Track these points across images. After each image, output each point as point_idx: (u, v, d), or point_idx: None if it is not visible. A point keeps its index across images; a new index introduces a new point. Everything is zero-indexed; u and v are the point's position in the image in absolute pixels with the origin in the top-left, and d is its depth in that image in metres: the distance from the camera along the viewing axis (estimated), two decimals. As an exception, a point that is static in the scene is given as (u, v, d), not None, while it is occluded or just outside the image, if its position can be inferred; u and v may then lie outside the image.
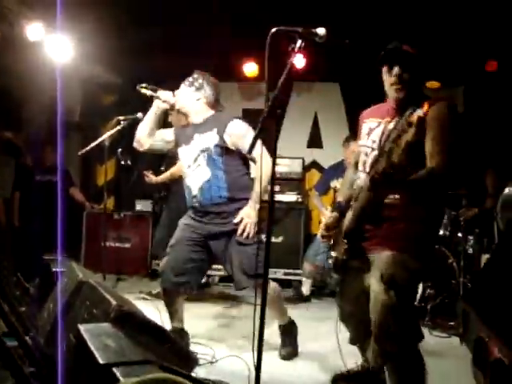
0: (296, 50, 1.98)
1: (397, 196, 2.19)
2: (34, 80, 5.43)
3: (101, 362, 1.48)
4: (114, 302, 2.00)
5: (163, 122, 3.53)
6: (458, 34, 5.07)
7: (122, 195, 6.98)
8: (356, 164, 2.49)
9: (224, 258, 3.15)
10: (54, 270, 3.16)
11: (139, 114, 4.21)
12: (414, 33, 5.00)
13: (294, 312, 4.62)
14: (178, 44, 5.53)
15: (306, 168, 6.20)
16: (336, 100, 6.34)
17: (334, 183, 4.93)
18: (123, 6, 4.76)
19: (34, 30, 4.67)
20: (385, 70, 2.30)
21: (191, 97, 3.21)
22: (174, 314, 3.33)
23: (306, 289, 5.04)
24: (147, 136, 3.29)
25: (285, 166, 5.73)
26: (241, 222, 3.05)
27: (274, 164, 2.04)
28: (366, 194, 2.16)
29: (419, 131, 1.91)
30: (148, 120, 3.30)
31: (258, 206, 3.01)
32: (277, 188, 5.65)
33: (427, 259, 2.30)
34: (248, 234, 3.03)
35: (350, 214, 2.30)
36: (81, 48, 5.13)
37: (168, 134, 3.36)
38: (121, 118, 4.26)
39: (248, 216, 3.04)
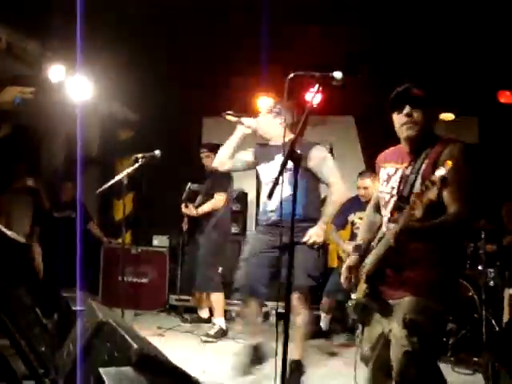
0: (314, 94, 2.00)
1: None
2: (54, 118, 5.57)
3: (124, 409, 1.47)
4: (135, 346, 2.00)
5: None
6: (471, 64, 5.11)
7: (139, 230, 7.03)
8: (376, 206, 2.50)
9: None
10: (73, 308, 3.17)
11: (157, 152, 4.27)
12: (428, 65, 5.08)
13: (314, 347, 4.59)
14: (194, 80, 5.64)
15: (322, 201, 6.18)
16: (351, 133, 6.38)
17: (352, 217, 4.91)
18: (141, 44, 4.89)
19: (55, 72, 4.81)
20: (395, 115, 2.28)
21: (273, 122, 3.51)
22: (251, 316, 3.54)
23: (324, 324, 4.97)
24: (229, 158, 3.61)
25: (301, 199, 5.72)
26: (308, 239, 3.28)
27: (294, 202, 2.06)
28: (387, 244, 2.14)
29: (442, 190, 1.93)
30: (231, 143, 3.60)
31: (325, 228, 3.31)
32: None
33: (450, 303, 2.25)
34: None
35: (371, 257, 2.29)
36: (99, 87, 5.26)
37: (248, 156, 3.66)
38: (139, 155, 4.31)
39: (317, 235, 3.28)
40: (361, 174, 4.85)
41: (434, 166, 2.07)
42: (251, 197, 6.48)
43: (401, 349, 2.10)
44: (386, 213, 2.31)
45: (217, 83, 5.61)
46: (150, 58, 5.12)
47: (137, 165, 4.30)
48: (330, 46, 4.45)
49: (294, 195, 2.19)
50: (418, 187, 2.10)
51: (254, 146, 3.72)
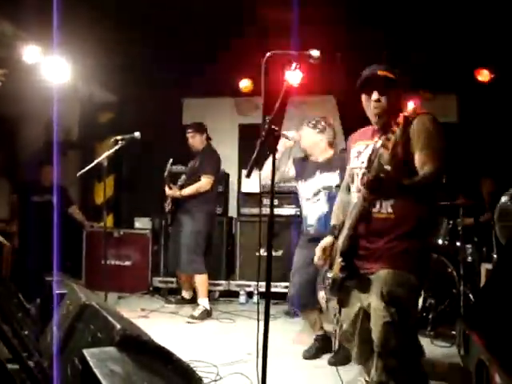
0: (291, 72, 2.01)
1: (390, 210, 2.25)
2: (32, 101, 5.46)
3: (108, 388, 1.49)
4: (117, 326, 2.00)
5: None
6: (449, 41, 5.12)
7: (121, 213, 7.00)
8: (347, 186, 2.55)
9: None
10: (55, 291, 3.16)
11: (136, 134, 4.24)
12: (406, 42, 5.09)
13: (294, 326, 4.66)
14: (174, 61, 5.57)
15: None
16: (332, 113, 6.38)
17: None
18: (118, 25, 4.80)
19: (30, 53, 4.70)
20: (364, 96, 2.36)
21: (315, 138, 3.65)
22: (315, 326, 3.79)
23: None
24: (277, 174, 3.60)
25: (283, 180, 5.75)
26: None
27: (273, 180, 2.07)
28: (358, 209, 2.22)
29: (405, 131, 2.04)
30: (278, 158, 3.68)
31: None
32: (275, 202, 5.67)
33: (424, 273, 2.33)
34: None
35: (344, 232, 2.34)
36: (77, 68, 5.17)
37: (290, 170, 3.80)
38: (118, 137, 4.29)
39: None
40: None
41: (405, 137, 2.15)
42: (233, 177, 6.48)
43: (380, 320, 2.17)
44: (357, 188, 2.35)
45: (196, 64, 5.55)
46: (129, 38, 5.02)
47: (117, 147, 4.28)
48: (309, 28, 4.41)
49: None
50: (387, 159, 2.09)
51: (295, 160, 3.82)
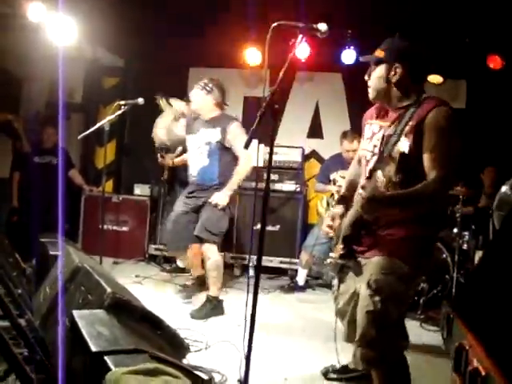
0: (297, 45, 1.98)
1: None
2: (35, 61, 5.40)
3: (93, 349, 1.50)
4: (108, 289, 2.02)
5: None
6: (461, 27, 5.04)
7: (121, 179, 6.99)
8: (359, 160, 2.48)
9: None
10: (50, 253, 3.18)
11: (140, 100, 4.21)
12: (417, 26, 5.00)
13: (288, 301, 4.71)
14: (182, 28, 5.49)
15: (306, 158, 6.20)
16: (338, 90, 6.32)
17: (334, 175, 4.93)
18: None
19: (34, 10, 4.61)
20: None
21: (204, 98, 3.98)
22: (194, 267, 4.38)
23: (301, 278, 5.07)
24: (167, 137, 4.32)
25: (284, 155, 5.72)
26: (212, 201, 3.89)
27: (271, 154, 2.05)
28: (356, 208, 2.16)
29: (420, 124, 2.00)
30: (163, 124, 4.25)
31: (230, 193, 3.89)
32: (276, 177, 5.66)
33: (422, 264, 2.21)
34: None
35: (347, 218, 2.28)
36: (83, 29, 5.07)
37: (182, 131, 4.27)
38: (122, 102, 4.25)
39: (220, 199, 3.87)
40: (345, 135, 4.83)
41: (417, 130, 2.06)
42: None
43: (364, 309, 2.12)
44: (366, 171, 2.28)
45: (204, 33, 5.47)
46: (136, 2, 4.94)
47: (119, 112, 4.25)
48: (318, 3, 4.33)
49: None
50: (397, 151, 2.08)
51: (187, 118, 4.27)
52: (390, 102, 2.25)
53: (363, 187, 2.03)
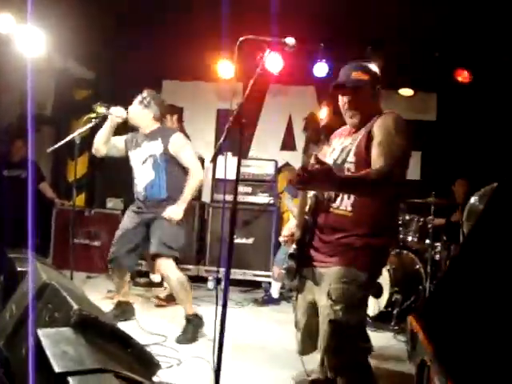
0: (264, 59, 1.98)
1: (349, 208, 2.21)
2: (6, 73, 5.32)
3: (57, 370, 1.45)
4: (75, 306, 1.96)
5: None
6: (431, 41, 5.14)
7: (93, 192, 6.90)
8: None
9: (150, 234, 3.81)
10: (18, 269, 3.10)
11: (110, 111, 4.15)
12: (388, 40, 5.10)
13: (262, 313, 4.68)
14: (154, 41, 5.48)
15: (279, 170, 6.22)
16: (311, 103, 6.38)
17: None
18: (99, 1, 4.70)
19: (3, 21, 4.54)
20: (339, 96, 2.37)
21: (141, 112, 3.86)
22: (120, 289, 4.07)
23: (274, 291, 5.05)
24: (103, 144, 3.95)
25: (257, 168, 5.73)
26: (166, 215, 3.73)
27: (238, 167, 2.06)
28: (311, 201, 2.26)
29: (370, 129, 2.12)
30: (103, 132, 3.92)
31: (184, 207, 3.73)
32: (249, 189, 5.65)
33: (377, 272, 2.32)
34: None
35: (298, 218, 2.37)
36: (53, 40, 5.02)
37: (119, 142, 4.03)
38: (92, 115, 4.19)
39: (174, 213, 3.72)
40: (305, 148, 4.84)
41: (369, 135, 2.17)
42: (208, 162, 6.42)
43: (325, 318, 2.15)
44: None
45: (177, 46, 5.47)
46: (108, 11, 4.91)
47: (90, 125, 4.18)
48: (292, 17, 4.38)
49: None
50: (351, 157, 2.20)
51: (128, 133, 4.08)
52: (361, 121, 2.32)
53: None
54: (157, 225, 3.77)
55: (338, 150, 2.34)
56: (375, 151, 2.11)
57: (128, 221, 3.93)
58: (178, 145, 3.82)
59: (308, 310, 2.35)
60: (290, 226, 2.56)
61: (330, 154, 2.41)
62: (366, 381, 2.25)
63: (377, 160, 2.08)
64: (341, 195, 2.22)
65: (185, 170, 3.83)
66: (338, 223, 2.22)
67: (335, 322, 2.12)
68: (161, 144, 3.80)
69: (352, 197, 2.19)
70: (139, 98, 3.89)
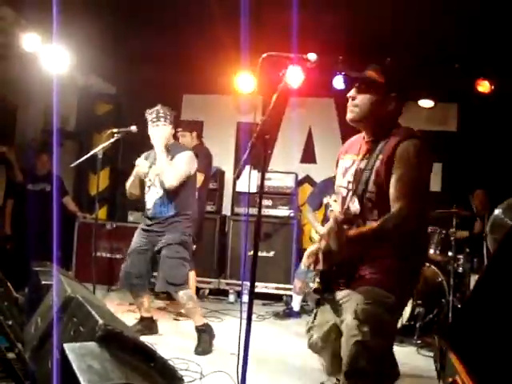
0: (286, 76, 1.99)
1: (374, 225, 2.07)
2: (30, 89, 5.44)
3: (83, 385, 1.47)
4: (100, 321, 1.99)
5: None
6: (452, 51, 5.12)
7: (115, 206, 6.97)
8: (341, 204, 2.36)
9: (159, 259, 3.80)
10: (43, 282, 3.14)
11: (133, 127, 4.21)
12: (407, 51, 5.09)
13: (283, 327, 4.66)
14: (175, 56, 5.55)
15: (299, 183, 6.23)
16: (330, 115, 6.38)
17: (326, 199, 4.93)
18: (120, 16, 4.79)
19: (30, 41, 4.68)
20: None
21: (169, 131, 3.86)
22: (140, 306, 4.08)
23: (296, 304, 5.03)
24: (134, 189, 4.04)
25: (278, 181, 5.74)
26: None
27: (262, 183, 2.07)
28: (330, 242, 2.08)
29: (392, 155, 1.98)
30: (132, 183, 4.02)
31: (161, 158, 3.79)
32: (269, 202, 5.67)
33: (406, 294, 2.23)
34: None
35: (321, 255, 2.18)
36: (76, 58, 5.15)
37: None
38: (115, 130, 4.26)
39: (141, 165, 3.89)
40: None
41: (388, 164, 2.05)
42: (228, 175, 6.47)
43: (352, 339, 2.02)
44: (341, 208, 2.24)
45: (198, 61, 5.53)
46: (130, 30, 5.01)
47: (112, 139, 4.25)
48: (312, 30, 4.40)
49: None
50: (371, 185, 2.08)
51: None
52: (368, 129, 2.21)
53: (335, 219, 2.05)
54: (163, 259, 3.74)
55: (352, 172, 2.21)
56: (393, 189, 2.01)
57: (138, 240, 3.95)
58: (179, 159, 3.82)
59: (330, 332, 2.26)
60: (312, 250, 2.36)
61: (341, 174, 2.29)
62: None
63: (396, 200, 2.00)
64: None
65: (193, 188, 3.93)
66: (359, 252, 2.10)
67: (362, 342, 1.99)
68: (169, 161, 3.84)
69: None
70: (161, 115, 3.85)
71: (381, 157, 2.08)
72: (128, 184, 4.04)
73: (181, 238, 3.78)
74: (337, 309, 2.19)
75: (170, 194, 3.80)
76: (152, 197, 3.88)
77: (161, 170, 3.80)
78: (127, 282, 3.93)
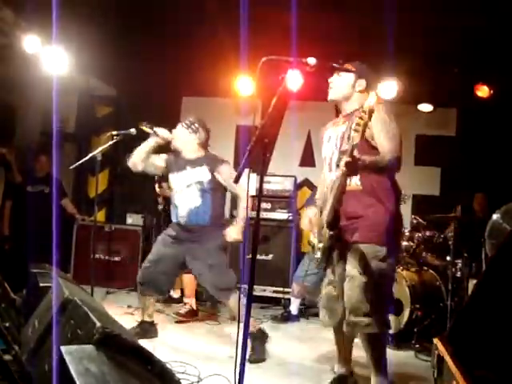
0: (285, 80, 2.01)
1: (358, 183, 2.74)
2: (30, 91, 5.44)
3: (80, 388, 1.47)
4: (98, 324, 1.98)
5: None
6: (450, 58, 5.13)
7: (113, 208, 6.97)
8: (329, 166, 2.97)
9: (197, 270, 3.80)
10: (41, 284, 3.13)
11: (132, 130, 4.22)
12: (409, 54, 5.10)
13: (281, 330, 4.65)
14: (175, 58, 5.56)
15: (298, 186, 6.22)
16: (330, 119, 6.35)
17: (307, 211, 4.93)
18: (120, 18, 4.80)
19: (30, 42, 4.68)
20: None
21: (188, 137, 3.85)
22: (145, 310, 4.04)
23: (294, 308, 5.03)
24: (141, 161, 3.91)
25: (276, 184, 5.74)
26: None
27: (261, 187, 2.08)
28: (340, 183, 2.55)
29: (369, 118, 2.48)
30: (144, 149, 3.90)
31: (242, 225, 3.68)
32: (268, 206, 5.66)
33: (394, 245, 2.84)
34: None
35: (327, 206, 2.68)
36: (76, 60, 5.15)
37: (159, 161, 3.96)
38: (114, 132, 4.27)
39: (235, 233, 3.69)
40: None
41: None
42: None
43: (355, 281, 2.65)
44: (331, 166, 2.87)
45: (197, 63, 5.54)
46: (130, 32, 5.02)
47: (111, 142, 4.26)
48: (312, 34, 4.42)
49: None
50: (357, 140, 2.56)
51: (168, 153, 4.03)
52: (346, 105, 2.94)
53: (343, 152, 2.56)
54: (208, 268, 3.71)
55: (334, 137, 2.90)
56: (380, 138, 2.66)
57: (165, 247, 3.86)
58: (228, 174, 3.76)
59: (342, 281, 2.79)
60: (308, 215, 3.12)
61: (327, 141, 2.97)
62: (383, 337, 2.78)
63: (385, 144, 2.64)
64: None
65: (224, 197, 3.92)
66: (353, 198, 2.70)
67: (363, 286, 2.63)
68: (207, 172, 3.77)
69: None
70: (187, 122, 3.88)
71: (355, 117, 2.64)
72: (137, 152, 3.93)
73: (219, 244, 3.76)
74: (344, 259, 2.76)
75: (209, 204, 3.77)
76: (187, 204, 3.79)
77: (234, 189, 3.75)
78: (148, 288, 3.87)
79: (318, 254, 2.78)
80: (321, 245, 2.78)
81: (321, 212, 2.86)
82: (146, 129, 3.82)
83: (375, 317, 2.66)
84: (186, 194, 3.80)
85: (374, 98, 2.38)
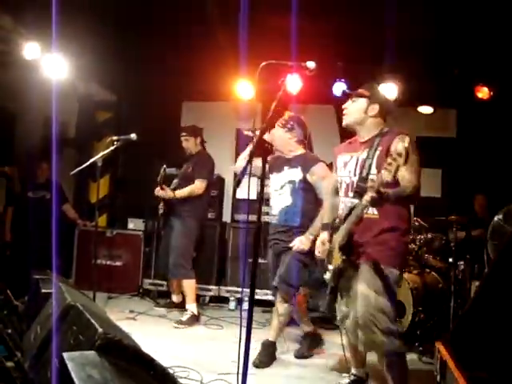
0: (285, 84, 2.01)
1: (375, 212, 2.73)
2: (30, 97, 5.45)
3: (83, 394, 1.46)
4: (100, 330, 1.98)
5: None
6: (450, 58, 5.13)
7: (115, 213, 6.97)
8: (335, 191, 3.00)
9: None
10: (42, 290, 3.13)
11: (133, 135, 4.23)
12: (407, 56, 5.10)
13: (284, 334, 4.63)
14: (174, 63, 5.57)
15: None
16: (330, 122, 6.38)
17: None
18: (119, 24, 4.81)
19: (29, 49, 4.70)
20: None
21: (284, 136, 3.84)
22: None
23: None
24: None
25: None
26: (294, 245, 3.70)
27: (262, 192, 2.09)
28: (361, 211, 2.56)
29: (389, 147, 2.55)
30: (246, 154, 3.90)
31: (312, 238, 3.54)
32: (269, 209, 5.64)
33: (404, 266, 3.01)
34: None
35: (341, 232, 2.69)
36: (76, 65, 5.17)
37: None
38: (115, 138, 4.28)
39: (302, 242, 3.64)
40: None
41: (387, 153, 2.54)
42: (227, 182, 6.47)
43: (367, 300, 2.67)
44: (348, 193, 2.85)
45: (197, 68, 5.54)
46: (129, 37, 5.02)
47: (112, 147, 4.26)
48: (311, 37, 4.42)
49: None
50: (374, 170, 2.69)
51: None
52: (361, 130, 2.90)
53: (362, 180, 2.68)
54: (284, 258, 3.75)
55: (353, 163, 2.86)
56: (402, 169, 2.49)
57: (270, 251, 3.98)
58: (319, 176, 3.71)
59: (354, 300, 2.78)
60: (321, 240, 2.99)
61: (343, 166, 2.92)
62: (399, 356, 2.75)
63: (406, 176, 2.58)
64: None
65: (317, 199, 3.75)
66: (369, 224, 2.70)
67: (374, 304, 2.65)
68: (300, 172, 3.76)
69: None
70: (282, 121, 3.83)
71: (380, 148, 2.74)
72: (242, 158, 4.04)
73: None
74: (355, 279, 2.76)
75: (300, 204, 3.75)
76: (280, 204, 3.82)
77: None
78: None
79: (328, 275, 2.79)
80: (331, 266, 2.79)
81: (331, 235, 2.87)
82: (249, 133, 3.71)
83: (390, 334, 2.67)
84: (279, 194, 3.84)
85: (407, 140, 2.39)
